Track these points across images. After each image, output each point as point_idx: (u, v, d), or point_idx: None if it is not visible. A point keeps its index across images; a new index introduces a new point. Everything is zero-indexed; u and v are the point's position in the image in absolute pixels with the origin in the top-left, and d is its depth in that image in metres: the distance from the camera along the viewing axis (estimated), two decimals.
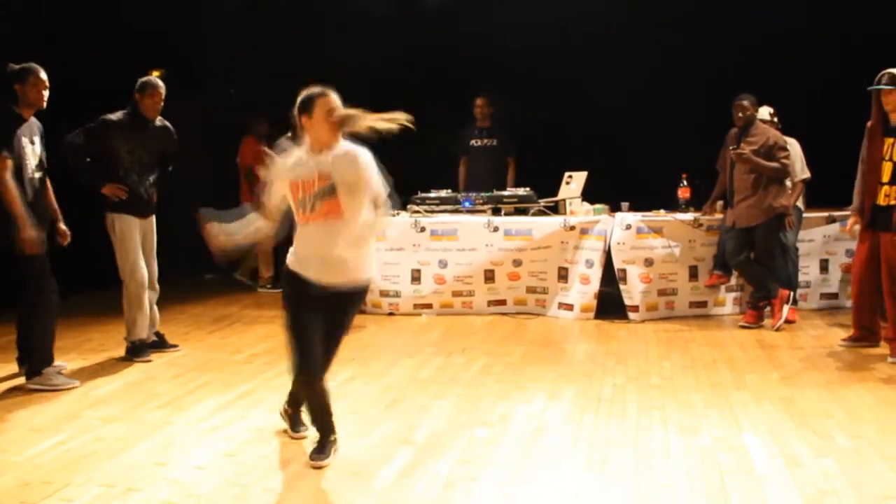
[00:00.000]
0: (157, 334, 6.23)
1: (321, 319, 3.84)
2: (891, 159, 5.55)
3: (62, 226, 5.58)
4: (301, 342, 3.80)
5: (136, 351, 5.94)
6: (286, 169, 3.85)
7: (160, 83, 5.88)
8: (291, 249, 3.91)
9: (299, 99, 3.84)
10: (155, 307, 6.17)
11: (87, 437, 4.29)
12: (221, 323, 7.37)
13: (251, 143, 9.06)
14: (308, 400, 4.01)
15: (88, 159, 5.84)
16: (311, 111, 3.80)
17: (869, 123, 5.73)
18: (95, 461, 3.94)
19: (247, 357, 6.05)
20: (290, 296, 3.87)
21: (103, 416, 4.65)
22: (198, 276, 9.64)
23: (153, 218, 6.09)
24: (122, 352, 6.01)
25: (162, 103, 5.91)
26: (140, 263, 5.91)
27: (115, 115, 5.84)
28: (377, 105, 8.10)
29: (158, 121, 6.02)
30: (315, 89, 3.83)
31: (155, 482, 3.69)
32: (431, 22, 9.23)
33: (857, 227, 5.87)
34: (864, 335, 5.97)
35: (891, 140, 5.56)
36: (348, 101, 7.57)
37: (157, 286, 6.16)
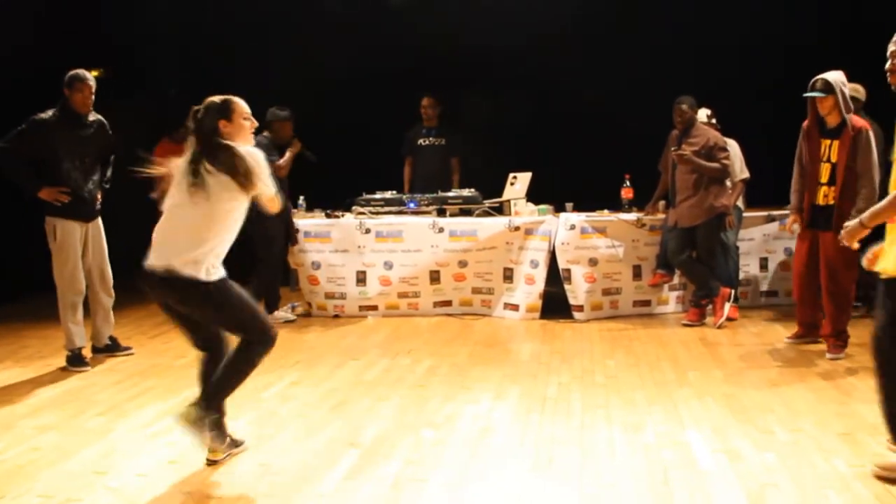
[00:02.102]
0: (111, 338, 6.15)
1: None
2: (828, 160, 5.68)
3: None
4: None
5: (73, 360, 5.80)
6: None
7: (88, 76, 5.72)
8: (215, 260, 3.81)
9: (212, 105, 3.82)
10: (110, 312, 6.09)
11: (23, 446, 4.19)
12: (164, 327, 7.23)
13: (165, 144, 8.87)
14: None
15: (26, 163, 5.66)
16: (230, 116, 3.82)
17: (805, 123, 5.86)
18: (33, 471, 3.85)
19: (190, 361, 5.91)
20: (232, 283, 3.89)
21: (40, 424, 4.54)
22: (139, 280, 9.47)
23: (99, 221, 5.96)
24: (60, 359, 5.88)
25: (92, 97, 5.75)
26: (78, 272, 5.78)
27: (45, 114, 5.67)
28: (320, 105, 8.06)
29: (93, 117, 5.87)
30: (222, 97, 3.87)
31: (95, 491, 3.61)
32: (377, 23, 9.22)
33: (797, 226, 5.96)
34: (808, 332, 6.09)
35: (827, 141, 5.69)
36: (291, 102, 7.55)
37: (111, 291, 6.07)
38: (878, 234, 3.74)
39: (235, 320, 3.86)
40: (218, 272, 3.80)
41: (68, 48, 7.82)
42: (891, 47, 3.74)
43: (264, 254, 7.10)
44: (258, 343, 3.84)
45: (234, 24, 9.20)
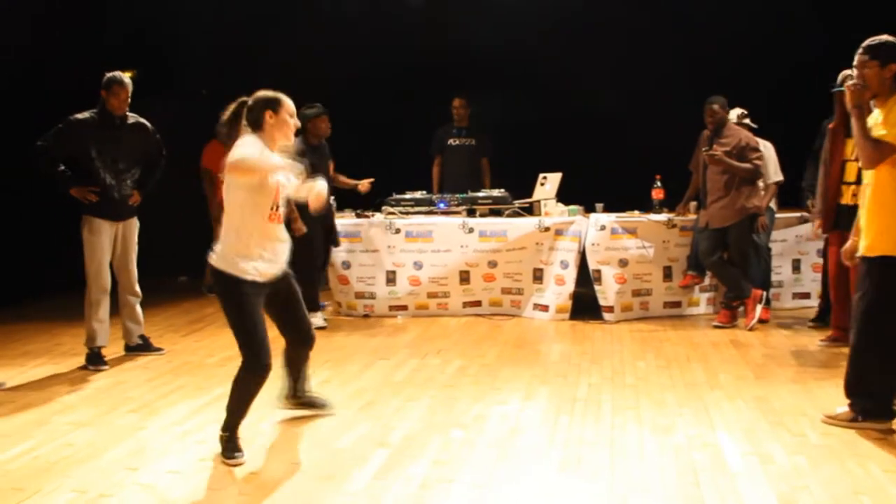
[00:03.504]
0: (142, 337, 6.20)
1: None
2: (856, 159, 5.60)
3: None
4: (260, 335, 3.96)
5: (91, 359, 5.85)
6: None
7: (126, 79, 5.78)
8: (232, 251, 3.93)
9: (262, 96, 4.03)
10: (139, 310, 6.13)
11: (57, 442, 4.24)
12: (195, 326, 7.31)
13: (214, 145, 8.86)
14: (256, 392, 4.04)
15: (61, 162, 5.77)
16: (277, 109, 4.01)
17: (831, 125, 5.81)
18: (66, 467, 3.90)
19: (220, 360, 6.00)
20: (248, 296, 3.94)
21: (74, 420, 4.60)
22: (172, 279, 9.57)
23: (133, 221, 6.02)
24: None
25: (129, 100, 5.81)
26: (103, 270, 5.83)
27: (83, 115, 5.77)
28: (350, 105, 8.06)
29: (132, 118, 5.93)
30: (272, 91, 4.07)
31: (127, 487, 3.65)
32: (407, 22, 9.24)
33: (821, 230, 5.95)
34: (843, 335, 5.98)
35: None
36: (321, 101, 7.55)
37: (137, 291, 6.10)
38: None
39: (232, 328, 4.00)
40: (234, 265, 3.91)
41: (98, 49, 7.94)
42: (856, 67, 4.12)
43: (299, 255, 7.13)
44: (244, 367, 3.98)
45: (262, 23, 9.25)
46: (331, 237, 7.28)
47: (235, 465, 3.90)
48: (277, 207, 4.00)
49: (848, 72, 5.58)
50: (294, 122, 4.07)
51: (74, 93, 5.96)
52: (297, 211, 6.99)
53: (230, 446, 3.98)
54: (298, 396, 4.59)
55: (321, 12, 9.22)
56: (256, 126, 3.98)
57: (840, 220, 5.75)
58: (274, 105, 3.99)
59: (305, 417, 4.59)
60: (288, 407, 4.59)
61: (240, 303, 3.93)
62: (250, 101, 4.02)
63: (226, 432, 4.02)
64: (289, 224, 6.94)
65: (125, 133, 5.89)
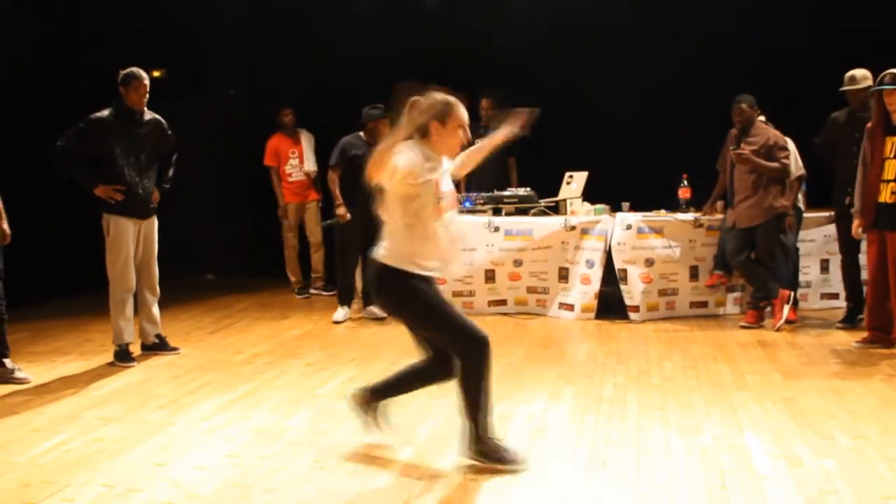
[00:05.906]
0: (158, 336, 6.19)
1: None
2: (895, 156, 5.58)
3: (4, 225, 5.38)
4: (459, 317, 3.77)
5: (120, 356, 5.89)
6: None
7: (143, 73, 5.77)
8: (406, 251, 3.72)
9: (431, 104, 3.69)
10: (156, 310, 6.14)
11: (87, 437, 4.30)
12: (222, 323, 7.37)
13: (276, 138, 8.83)
14: (484, 373, 3.80)
15: (83, 162, 5.75)
16: (445, 120, 3.70)
17: (869, 125, 5.77)
18: (96, 461, 3.95)
19: (247, 357, 6.05)
20: (428, 292, 3.76)
21: (104, 416, 4.66)
22: (199, 277, 9.64)
23: (154, 219, 6.00)
24: None
25: (147, 94, 5.80)
26: (129, 269, 5.84)
27: (102, 113, 5.74)
28: (377, 104, 7.99)
29: (149, 115, 5.91)
30: (448, 97, 3.73)
31: (155, 482, 3.68)
32: (431, 20, 9.25)
33: (861, 230, 5.87)
34: (879, 337, 5.91)
35: (894, 139, 5.60)
36: (349, 97, 7.55)
37: (157, 290, 6.11)
38: None
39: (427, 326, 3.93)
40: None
41: (125, 50, 8.00)
42: None
43: (339, 245, 7.22)
44: (466, 357, 3.82)
45: (290, 23, 9.29)
46: (371, 235, 7.21)
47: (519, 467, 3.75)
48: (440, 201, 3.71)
49: (888, 71, 5.54)
50: (464, 136, 3.73)
51: (100, 93, 5.97)
52: (341, 198, 7.08)
53: (499, 450, 3.78)
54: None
55: (347, 9, 9.24)
56: (422, 134, 3.68)
57: (881, 220, 5.68)
58: (442, 116, 3.67)
59: (331, 414, 4.62)
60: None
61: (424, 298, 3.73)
62: (421, 104, 3.67)
63: (484, 438, 3.77)
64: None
65: (144, 129, 5.87)
